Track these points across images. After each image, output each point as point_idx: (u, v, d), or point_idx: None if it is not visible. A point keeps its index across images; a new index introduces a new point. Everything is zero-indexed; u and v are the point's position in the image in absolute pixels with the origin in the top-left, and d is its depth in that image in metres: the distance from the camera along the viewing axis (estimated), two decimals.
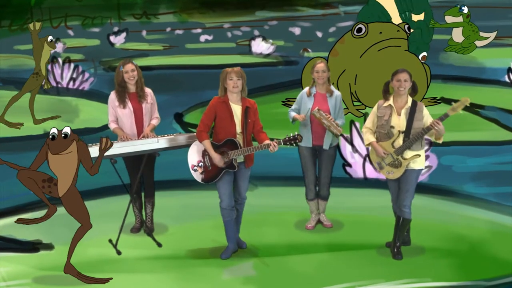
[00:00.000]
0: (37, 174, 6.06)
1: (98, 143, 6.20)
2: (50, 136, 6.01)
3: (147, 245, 7.29)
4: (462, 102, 6.43)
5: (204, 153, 6.79)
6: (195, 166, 6.81)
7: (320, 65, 7.43)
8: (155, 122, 7.52)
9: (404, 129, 6.63)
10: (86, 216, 6.20)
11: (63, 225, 6.65)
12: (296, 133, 6.64)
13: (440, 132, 6.55)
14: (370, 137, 6.89)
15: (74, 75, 10.52)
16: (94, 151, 6.33)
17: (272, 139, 6.63)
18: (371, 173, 9.02)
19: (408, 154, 6.65)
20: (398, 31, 9.08)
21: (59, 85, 10.62)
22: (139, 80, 7.38)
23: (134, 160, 7.36)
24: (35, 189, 6.09)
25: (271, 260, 6.91)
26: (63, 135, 5.99)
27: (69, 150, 6.00)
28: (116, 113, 7.40)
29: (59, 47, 10.59)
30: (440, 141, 6.69)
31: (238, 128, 6.71)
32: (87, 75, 10.52)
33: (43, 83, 10.46)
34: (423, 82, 8.85)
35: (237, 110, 6.72)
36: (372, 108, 6.95)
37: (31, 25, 10.08)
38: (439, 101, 9.16)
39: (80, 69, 10.53)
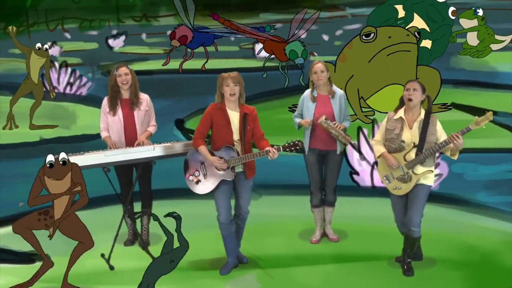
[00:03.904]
0: (32, 216, 6.05)
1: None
2: (48, 165, 5.93)
3: (145, 257, 7.11)
4: (486, 117, 6.24)
5: (200, 161, 6.60)
6: (190, 175, 6.62)
7: (318, 65, 7.25)
8: (151, 129, 7.34)
9: (417, 142, 6.39)
10: (87, 235, 6.16)
11: (60, 235, 6.44)
12: (296, 140, 6.42)
13: (458, 146, 6.30)
14: (380, 148, 6.63)
15: (71, 80, 10.50)
16: (91, 158, 6.19)
17: (272, 146, 6.44)
18: (379, 181, 8.80)
19: (420, 169, 6.40)
20: (408, 35, 8.94)
21: (56, 90, 10.54)
22: (133, 86, 7.20)
23: (126, 169, 7.18)
24: (33, 242, 6.12)
25: (276, 272, 6.76)
26: (61, 162, 5.94)
27: (67, 176, 6.00)
28: (106, 119, 7.21)
29: (56, 50, 10.48)
30: (455, 157, 6.43)
31: (236, 136, 6.51)
32: (85, 80, 10.48)
33: (49, 92, 10.48)
34: (434, 87, 8.70)
35: (234, 117, 6.53)
36: (379, 111, 6.74)
37: (10, 28, 10.07)
38: (449, 107, 9.05)
39: (78, 73, 10.49)
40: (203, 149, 6.50)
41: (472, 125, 6.25)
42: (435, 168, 7.33)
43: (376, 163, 8.68)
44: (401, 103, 6.61)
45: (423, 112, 6.48)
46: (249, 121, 6.52)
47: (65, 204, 6.04)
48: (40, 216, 6.04)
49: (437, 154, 6.53)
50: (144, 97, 7.31)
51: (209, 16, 9.14)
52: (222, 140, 6.48)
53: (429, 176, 6.45)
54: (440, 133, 6.43)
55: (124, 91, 7.18)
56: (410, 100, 6.41)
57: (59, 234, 6.26)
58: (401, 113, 6.52)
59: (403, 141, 6.45)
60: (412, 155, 6.41)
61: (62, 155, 5.95)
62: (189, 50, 9.66)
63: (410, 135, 6.42)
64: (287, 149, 6.42)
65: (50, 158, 5.94)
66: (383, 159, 6.63)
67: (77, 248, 6.19)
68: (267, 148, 6.38)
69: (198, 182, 6.58)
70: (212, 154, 6.48)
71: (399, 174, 6.49)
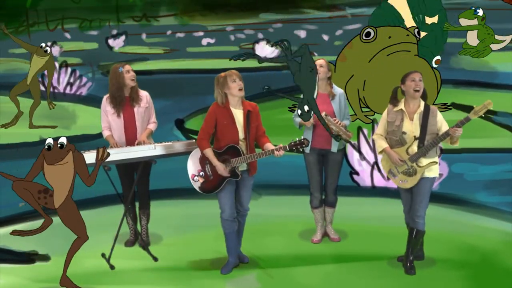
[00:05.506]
0: (32, 185, 5.98)
1: (95, 151, 6.07)
2: (46, 147, 5.93)
3: (145, 257, 7.11)
4: (485, 106, 6.18)
5: (205, 161, 6.55)
6: (195, 175, 6.58)
7: (319, 60, 7.26)
8: (152, 127, 7.31)
9: (418, 134, 6.37)
10: (83, 228, 6.11)
11: (59, 236, 6.50)
12: (302, 138, 6.39)
13: (458, 136, 6.28)
14: (383, 143, 6.61)
15: (71, 80, 10.49)
16: (90, 157, 6.17)
17: (277, 145, 6.39)
18: (379, 181, 8.84)
19: (424, 161, 6.38)
20: (408, 35, 8.92)
21: (56, 90, 10.54)
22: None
23: (128, 169, 7.17)
24: (31, 200, 6.00)
25: (276, 272, 6.73)
26: (59, 145, 5.91)
27: (65, 160, 5.93)
28: (107, 118, 7.20)
29: (56, 50, 10.48)
30: (457, 144, 6.40)
31: (241, 134, 6.46)
32: (85, 80, 10.47)
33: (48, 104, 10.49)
34: (433, 87, 8.69)
35: (238, 115, 6.46)
36: (381, 114, 6.71)
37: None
38: (449, 107, 9.03)
39: (78, 73, 10.49)
40: (209, 152, 6.43)
41: (471, 114, 6.21)
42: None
43: (376, 163, 8.68)
44: (394, 95, 6.58)
45: (422, 103, 6.45)
46: (253, 119, 6.46)
47: (67, 190, 5.96)
48: (40, 195, 5.97)
49: (439, 145, 6.49)
50: (144, 94, 7.29)
51: None
52: (227, 139, 6.42)
53: (433, 168, 6.43)
54: (441, 123, 6.40)
55: (127, 88, 7.16)
56: (417, 91, 6.37)
57: (56, 233, 6.27)
58: (401, 104, 6.51)
59: (404, 133, 6.42)
60: (414, 148, 6.38)
61: (62, 139, 5.92)
62: None
63: (411, 126, 6.40)
64: (293, 148, 6.38)
65: (49, 141, 5.93)
66: (386, 154, 6.62)
67: (74, 243, 6.14)
68: (272, 148, 6.35)
69: (203, 182, 6.53)
70: (217, 154, 6.44)
71: (403, 168, 6.47)
